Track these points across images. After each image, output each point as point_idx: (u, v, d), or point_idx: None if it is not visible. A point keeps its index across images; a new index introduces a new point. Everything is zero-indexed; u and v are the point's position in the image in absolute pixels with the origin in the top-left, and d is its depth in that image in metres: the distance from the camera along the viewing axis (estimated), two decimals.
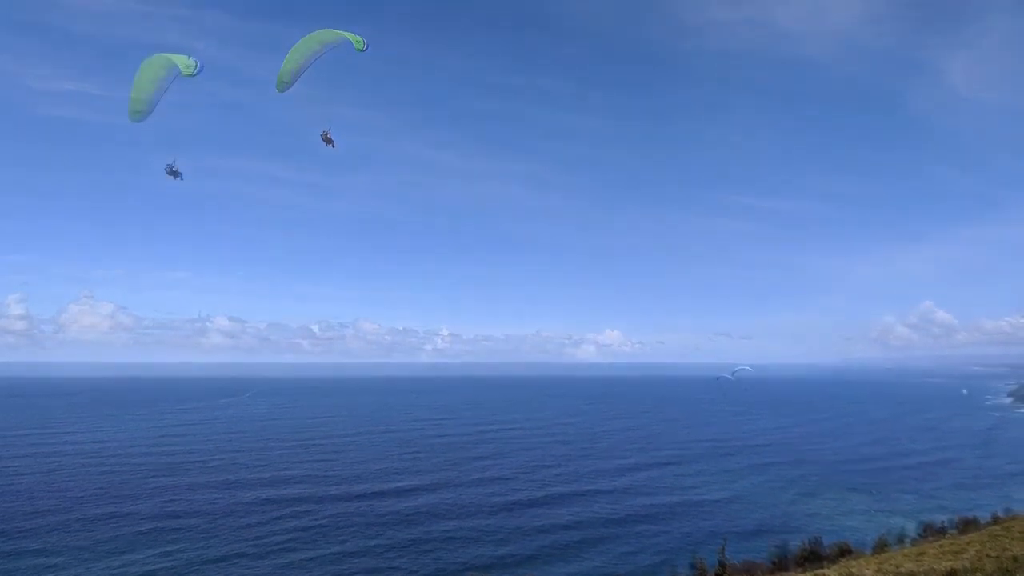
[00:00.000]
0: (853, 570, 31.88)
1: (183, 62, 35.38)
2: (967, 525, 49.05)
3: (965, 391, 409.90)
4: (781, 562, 48.01)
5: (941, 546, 36.59)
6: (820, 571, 35.80)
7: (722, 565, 38.99)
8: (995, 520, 48.04)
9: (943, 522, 54.18)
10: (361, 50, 38.69)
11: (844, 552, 45.33)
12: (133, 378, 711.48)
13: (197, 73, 35.79)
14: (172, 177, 46.20)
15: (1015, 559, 27.36)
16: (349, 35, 38.15)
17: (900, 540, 49.86)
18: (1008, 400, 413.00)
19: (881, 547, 47.22)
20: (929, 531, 50.89)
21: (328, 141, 46.32)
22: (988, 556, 29.14)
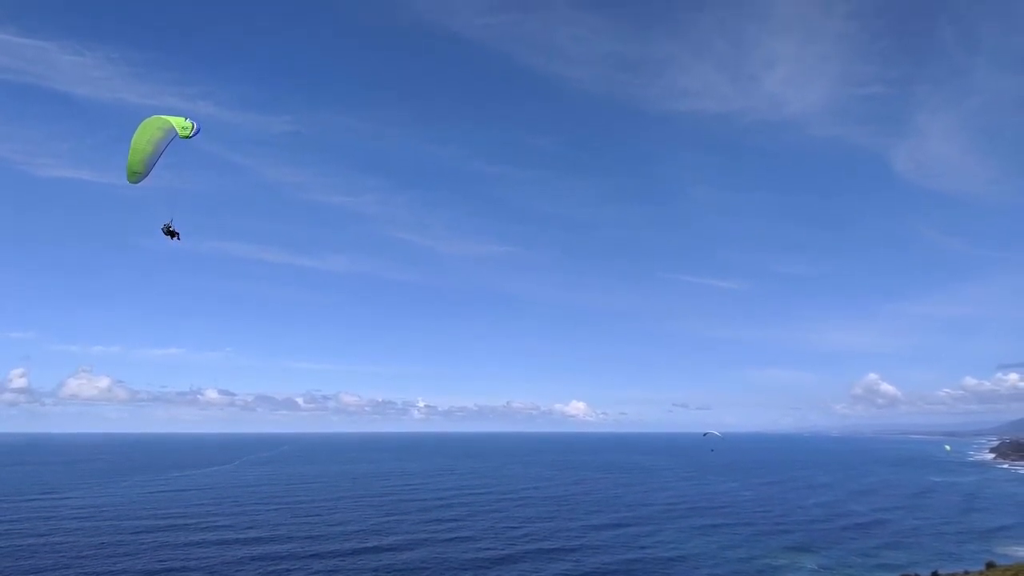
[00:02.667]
0: None
1: (180, 123, 34.62)
2: None
3: (948, 447, 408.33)
4: None
5: None
6: None
7: None
8: None
9: None
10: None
11: None
12: (128, 444, 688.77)
13: (194, 135, 35.05)
14: (169, 237, 44.26)
15: None
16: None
17: None
18: (990, 456, 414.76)
19: None
20: None
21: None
22: None
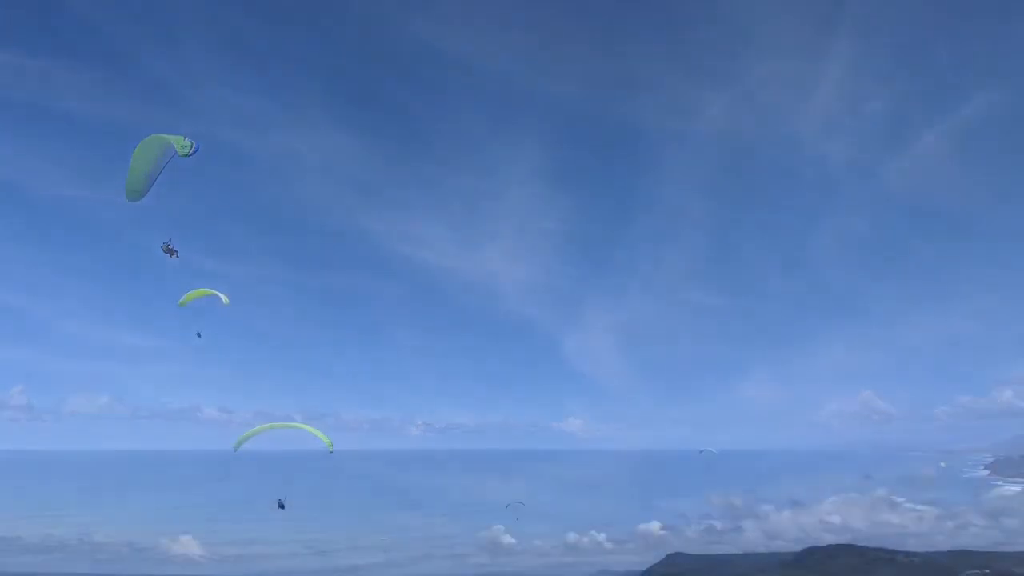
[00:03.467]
0: None
1: (179, 142, 34.39)
2: None
3: (943, 464, 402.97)
4: None
5: None
6: None
7: None
8: None
9: None
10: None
11: None
12: (128, 459, 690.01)
13: (193, 153, 34.83)
14: (168, 255, 43.98)
15: None
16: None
17: None
18: (985, 473, 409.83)
19: None
20: None
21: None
22: None
